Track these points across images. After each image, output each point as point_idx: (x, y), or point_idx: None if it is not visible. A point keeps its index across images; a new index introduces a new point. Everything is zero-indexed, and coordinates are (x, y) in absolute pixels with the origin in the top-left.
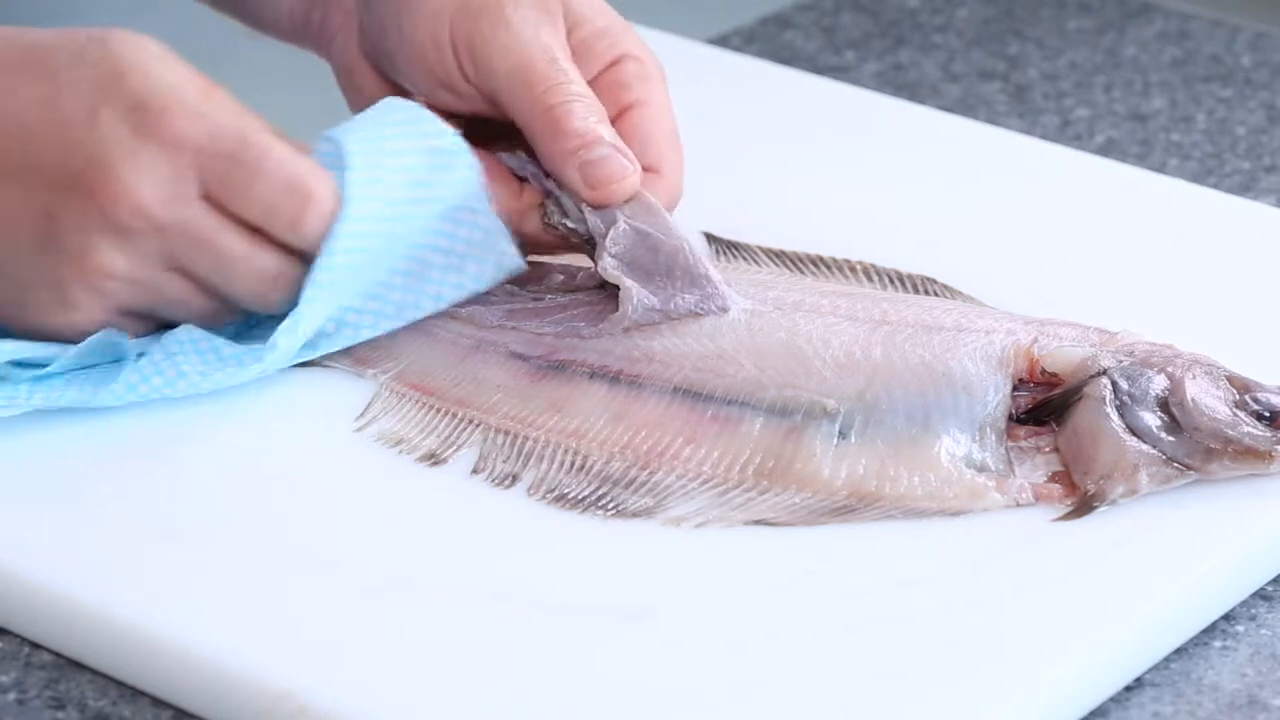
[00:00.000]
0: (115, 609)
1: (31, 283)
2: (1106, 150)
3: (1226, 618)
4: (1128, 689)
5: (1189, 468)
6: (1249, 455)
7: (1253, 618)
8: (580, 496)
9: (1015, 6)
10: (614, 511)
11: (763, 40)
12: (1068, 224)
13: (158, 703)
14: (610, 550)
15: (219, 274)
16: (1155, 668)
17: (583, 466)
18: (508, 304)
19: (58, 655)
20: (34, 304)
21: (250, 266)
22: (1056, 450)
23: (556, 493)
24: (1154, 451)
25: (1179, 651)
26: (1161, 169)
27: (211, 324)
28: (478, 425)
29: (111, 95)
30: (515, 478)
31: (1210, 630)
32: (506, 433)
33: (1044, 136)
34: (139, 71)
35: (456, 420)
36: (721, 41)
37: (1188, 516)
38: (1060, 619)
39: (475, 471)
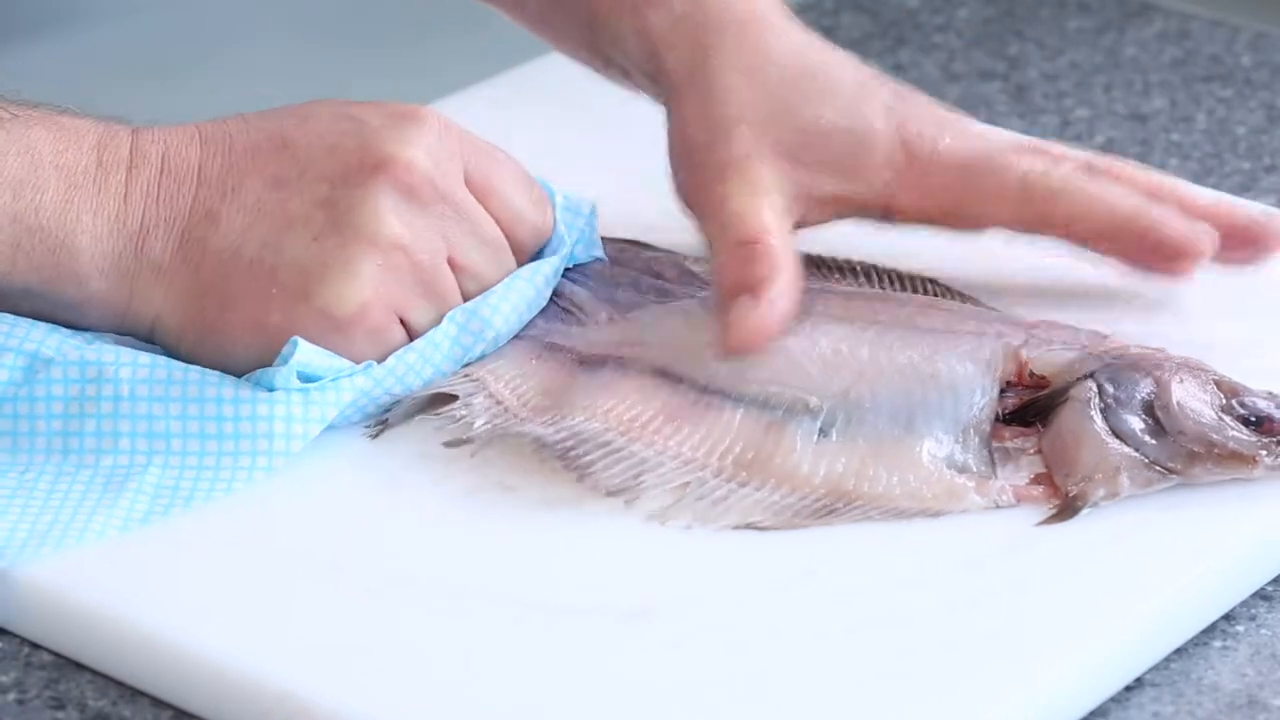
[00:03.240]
0: (115, 609)
1: (312, 267)
2: (1106, 150)
3: (1226, 618)
4: (1128, 689)
5: (1172, 471)
6: (1233, 460)
7: (1253, 618)
8: (551, 441)
9: (1015, 6)
10: (584, 473)
11: None
12: None
13: (158, 703)
14: (610, 550)
15: (485, 265)
16: (1155, 668)
17: (556, 420)
18: None
19: (58, 655)
20: (318, 287)
21: (508, 264)
22: (1041, 452)
23: (530, 436)
24: (1136, 454)
25: (1179, 651)
26: (1161, 169)
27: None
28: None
29: (367, 105)
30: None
31: (1210, 630)
32: (493, 396)
33: (1044, 136)
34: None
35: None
36: None
37: (1187, 516)
38: (1060, 619)
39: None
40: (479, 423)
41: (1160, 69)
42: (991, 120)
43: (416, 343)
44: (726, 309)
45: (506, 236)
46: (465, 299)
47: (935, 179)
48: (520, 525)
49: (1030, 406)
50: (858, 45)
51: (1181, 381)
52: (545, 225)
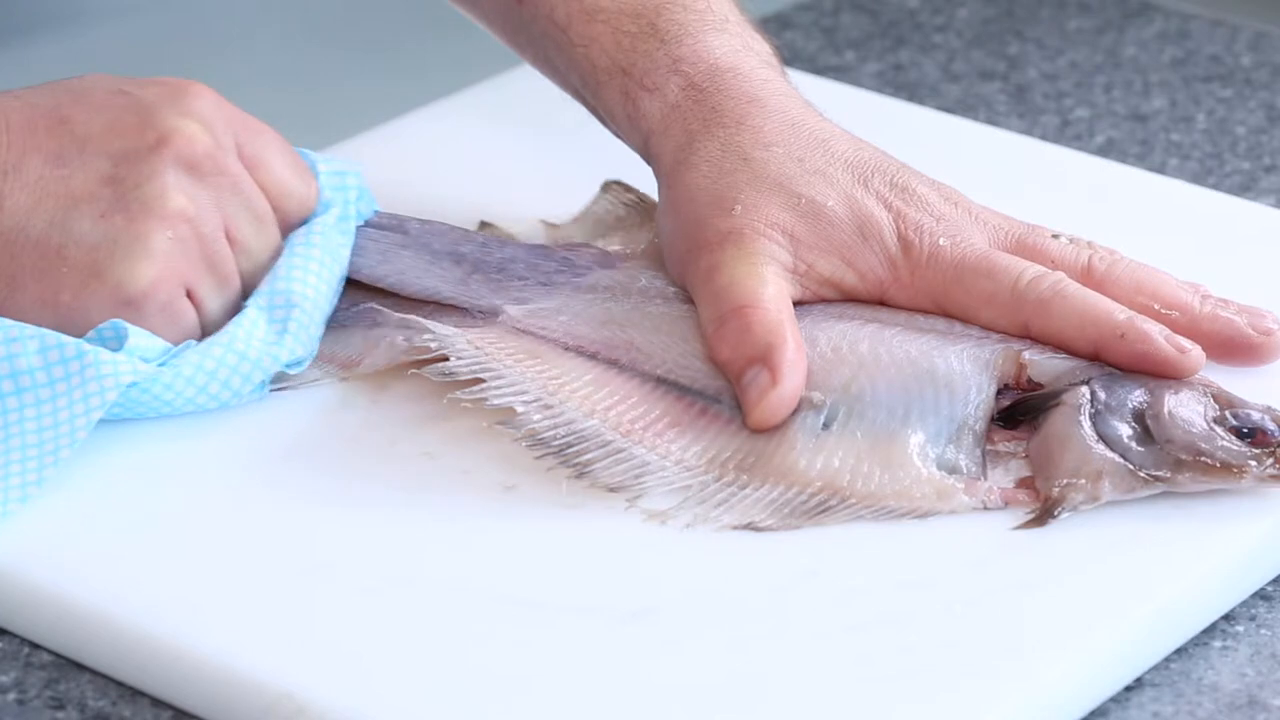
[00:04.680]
0: (115, 609)
1: (102, 244)
2: (1106, 150)
3: (1226, 618)
4: (1128, 689)
5: (1158, 479)
6: (1221, 469)
7: (1253, 618)
8: (547, 438)
9: (1015, 6)
10: (583, 471)
11: None
12: (1067, 224)
13: (158, 703)
14: (610, 550)
15: (255, 240)
16: (1155, 668)
17: (553, 407)
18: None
19: (58, 655)
20: (109, 263)
21: (274, 239)
22: (1028, 456)
23: (525, 429)
24: (1120, 460)
25: (1179, 651)
26: (1161, 169)
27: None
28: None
29: (139, 81)
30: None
31: (1210, 630)
32: (476, 346)
33: (1044, 136)
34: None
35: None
36: None
37: (1188, 516)
38: (1060, 619)
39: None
40: (461, 362)
41: (1160, 69)
42: (991, 120)
43: (236, 317)
44: (737, 382)
45: (274, 210)
46: (246, 276)
47: (929, 277)
48: (520, 525)
49: (1022, 408)
50: (858, 45)
51: (1176, 392)
52: (310, 199)
